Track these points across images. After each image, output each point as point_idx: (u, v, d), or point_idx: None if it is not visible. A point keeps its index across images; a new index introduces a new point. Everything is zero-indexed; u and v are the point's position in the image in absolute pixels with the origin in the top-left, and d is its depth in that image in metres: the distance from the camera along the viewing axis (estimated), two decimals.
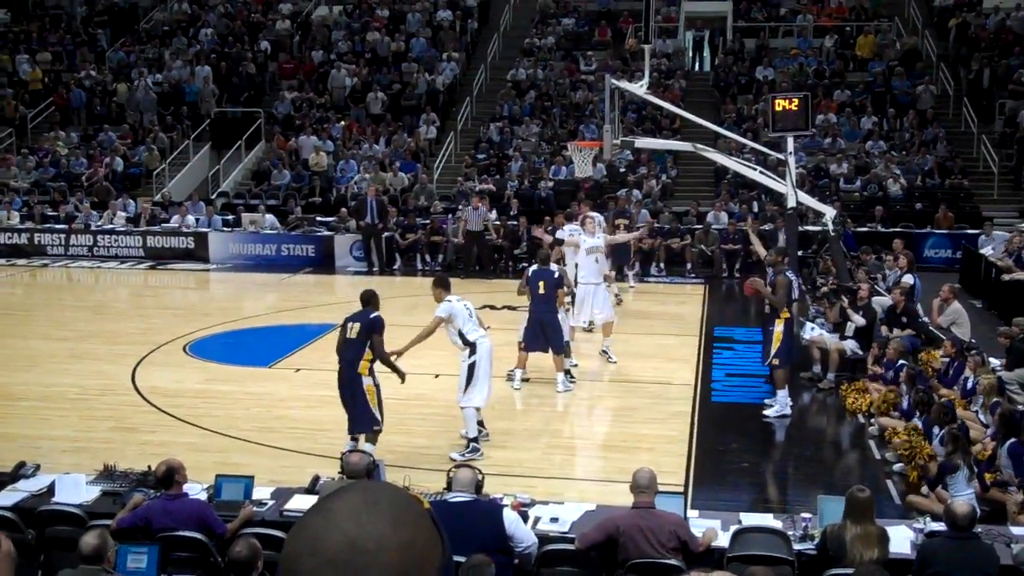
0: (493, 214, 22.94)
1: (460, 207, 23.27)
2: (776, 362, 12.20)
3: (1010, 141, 25.94)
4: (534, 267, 13.43)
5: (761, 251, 14.46)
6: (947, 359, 12.57)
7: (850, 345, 13.70)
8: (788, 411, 12.26)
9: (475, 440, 10.81)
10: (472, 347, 10.95)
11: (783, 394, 12.27)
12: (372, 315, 10.25)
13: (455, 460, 9.91)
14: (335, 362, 10.55)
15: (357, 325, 10.26)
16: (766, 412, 12.26)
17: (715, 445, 11.30)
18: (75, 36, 34.12)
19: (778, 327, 12.20)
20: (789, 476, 10.81)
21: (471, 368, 10.90)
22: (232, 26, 33.22)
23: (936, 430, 10.01)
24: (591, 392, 13.65)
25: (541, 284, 13.08)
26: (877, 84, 28.48)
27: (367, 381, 10.15)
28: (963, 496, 8.64)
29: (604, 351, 14.71)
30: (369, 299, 10.57)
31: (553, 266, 13.65)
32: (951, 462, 8.85)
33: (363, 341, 10.15)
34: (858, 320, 13.76)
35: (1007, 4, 30.04)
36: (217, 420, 11.78)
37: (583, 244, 14.71)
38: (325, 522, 1.67)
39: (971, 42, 29.13)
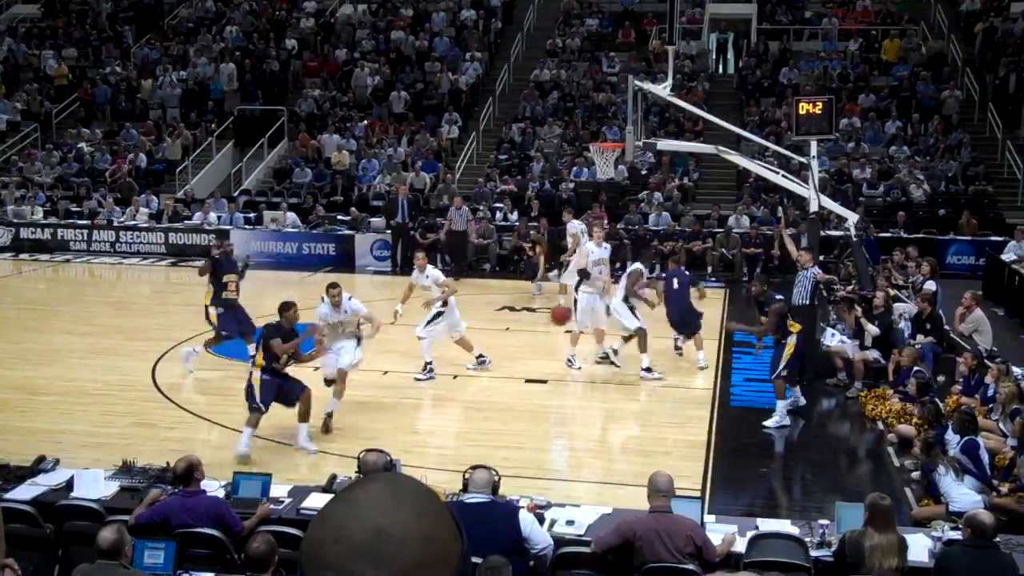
0: (483, 212, 23.06)
1: (450, 208, 22.94)
2: (785, 373, 12.18)
3: None
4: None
5: (793, 250, 14.43)
6: (965, 369, 12.47)
7: (873, 354, 13.62)
8: (787, 421, 12.19)
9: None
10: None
11: (782, 404, 12.18)
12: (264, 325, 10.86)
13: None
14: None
15: None
16: (765, 423, 12.13)
17: (733, 450, 11.26)
18: (101, 32, 34.32)
19: (791, 340, 12.24)
20: (807, 482, 10.75)
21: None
22: (257, 24, 33.34)
23: (956, 439, 9.95)
24: (609, 395, 13.63)
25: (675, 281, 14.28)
26: (902, 88, 28.32)
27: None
28: (956, 488, 8.65)
29: (606, 355, 14.51)
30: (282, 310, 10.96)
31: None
32: (929, 464, 8.88)
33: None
34: (872, 330, 13.78)
35: None
36: (236, 417, 11.78)
37: (591, 255, 14.47)
38: (351, 511, 1.67)
39: (997, 47, 28.92)
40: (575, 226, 18.38)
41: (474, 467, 7.56)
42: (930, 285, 15.98)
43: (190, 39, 33.34)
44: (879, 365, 13.54)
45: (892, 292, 16.66)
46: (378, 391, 13.25)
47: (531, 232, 21.25)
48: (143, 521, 7.42)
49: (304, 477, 9.22)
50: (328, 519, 1.68)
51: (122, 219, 24.85)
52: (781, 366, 12.17)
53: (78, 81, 32.00)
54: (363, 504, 1.67)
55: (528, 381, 13.70)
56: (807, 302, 13.14)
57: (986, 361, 12.55)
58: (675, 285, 14.55)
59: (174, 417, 11.99)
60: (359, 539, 1.63)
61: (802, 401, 12.74)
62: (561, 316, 14.83)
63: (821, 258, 17.83)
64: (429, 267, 14.17)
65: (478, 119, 29.28)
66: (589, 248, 14.67)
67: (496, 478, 7.48)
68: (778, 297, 12.79)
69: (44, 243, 24.47)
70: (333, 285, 11.61)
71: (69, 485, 8.24)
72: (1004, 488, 9.21)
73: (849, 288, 16.05)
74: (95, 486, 8.22)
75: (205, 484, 7.82)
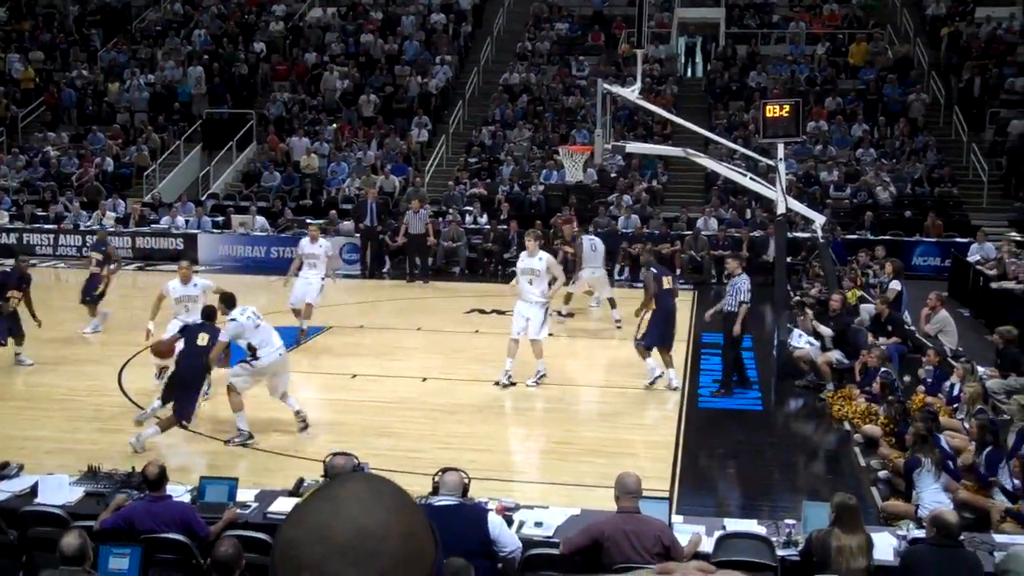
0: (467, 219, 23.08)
1: (406, 211, 22.82)
2: (644, 344, 13.45)
3: (1000, 150, 26.02)
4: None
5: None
6: (931, 368, 12.61)
7: (835, 356, 13.75)
8: (658, 372, 13.40)
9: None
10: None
11: (651, 360, 13.39)
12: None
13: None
14: (321, 366, 10.54)
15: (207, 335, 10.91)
16: (646, 383, 13.38)
17: (701, 451, 11.31)
18: (68, 35, 34.07)
19: (645, 314, 13.95)
20: (774, 482, 10.81)
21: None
22: (225, 27, 33.18)
23: None
24: (578, 397, 13.65)
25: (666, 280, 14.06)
26: (869, 92, 28.55)
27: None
28: (930, 490, 8.70)
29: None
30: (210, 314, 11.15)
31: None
32: (914, 458, 8.92)
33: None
34: (825, 331, 14.05)
35: (999, 13, 30.14)
36: (202, 422, 11.74)
37: (519, 263, 14.03)
38: (331, 508, 1.65)
39: (963, 51, 29.22)
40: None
41: (444, 470, 7.55)
42: (895, 285, 16.14)
43: (158, 42, 33.15)
44: (843, 366, 13.65)
45: (860, 293, 16.83)
46: (347, 394, 13.22)
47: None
48: (108, 526, 7.38)
49: (271, 481, 9.17)
50: (307, 517, 1.65)
51: (89, 223, 24.66)
52: (642, 333, 13.61)
53: (44, 85, 31.75)
54: (344, 502, 1.65)
55: (497, 383, 13.68)
56: (735, 310, 13.20)
57: (951, 361, 12.69)
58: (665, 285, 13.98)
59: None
60: (340, 537, 1.61)
61: (675, 383, 13.50)
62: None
63: (788, 259, 18.02)
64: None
65: (448, 122, 29.26)
66: (521, 257, 14.05)
67: (466, 481, 7.48)
68: (653, 269, 14.10)
69: (9, 247, 24.20)
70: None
71: (33, 491, 8.17)
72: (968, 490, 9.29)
73: (815, 290, 16.19)
74: (60, 492, 8.15)
75: (171, 489, 7.78)
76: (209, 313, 11.38)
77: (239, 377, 11.24)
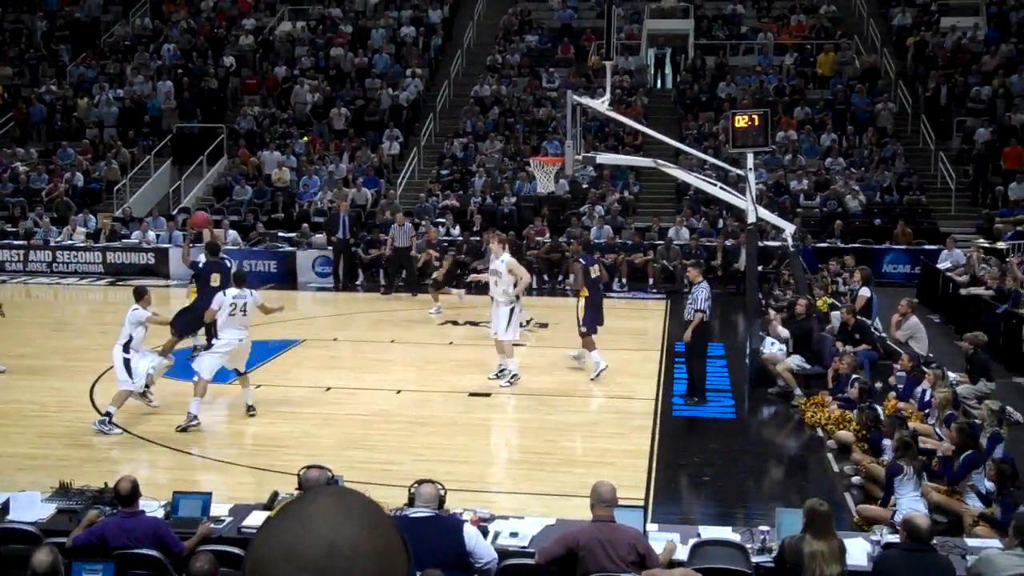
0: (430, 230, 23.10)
1: (392, 225, 22.86)
2: (584, 330, 14.39)
3: (967, 158, 26.28)
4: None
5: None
6: (903, 373, 12.72)
7: (795, 361, 13.86)
8: (604, 364, 14.29)
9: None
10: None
11: (596, 353, 14.37)
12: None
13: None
14: (295, 379, 10.51)
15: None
16: (592, 376, 14.29)
17: (675, 459, 11.35)
18: (36, 51, 33.87)
19: (579, 303, 14.57)
20: (748, 489, 10.86)
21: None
22: (195, 41, 33.07)
23: (887, 443, 10.16)
24: (553, 407, 13.66)
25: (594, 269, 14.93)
26: (837, 101, 28.80)
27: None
28: (909, 497, 8.76)
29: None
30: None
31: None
32: (897, 465, 8.98)
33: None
34: (782, 332, 14.38)
35: (963, 23, 30.50)
36: (175, 437, 11.68)
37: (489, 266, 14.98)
38: (301, 526, 1.62)
39: (929, 60, 29.54)
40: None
41: (420, 481, 7.55)
42: (864, 292, 16.28)
43: (127, 57, 33.00)
44: (804, 371, 13.79)
45: (830, 300, 16.95)
46: (321, 407, 13.18)
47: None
48: (81, 543, 7.32)
49: (245, 495, 9.13)
50: (276, 535, 1.63)
51: (59, 239, 24.50)
52: (580, 323, 14.44)
53: (13, 100, 31.53)
54: (313, 520, 1.63)
55: (472, 395, 13.71)
56: (690, 318, 13.32)
57: (922, 367, 12.80)
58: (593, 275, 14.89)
59: (112, 438, 11.80)
60: (309, 555, 1.59)
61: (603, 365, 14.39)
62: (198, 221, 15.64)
63: (760, 268, 18.13)
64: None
65: (419, 135, 29.28)
66: (491, 259, 14.96)
67: (442, 492, 7.48)
68: (581, 260, 15.02)
69: None
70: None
71: (5, 508, 8.10)
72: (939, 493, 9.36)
73: (787, 296, 16.32)
74: (31, 508, 8.09)
75: (144, 504, 7.73)
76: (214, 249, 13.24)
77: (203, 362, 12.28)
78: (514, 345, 14.54)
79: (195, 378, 12.10)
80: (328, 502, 1.67)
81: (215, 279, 13.67)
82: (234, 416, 12.84)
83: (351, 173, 27.06)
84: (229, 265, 14.44)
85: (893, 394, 12.33)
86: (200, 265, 13.90)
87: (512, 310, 14.17)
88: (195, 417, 11.91)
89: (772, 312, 15.35)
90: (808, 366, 13.88)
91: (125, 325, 12.06)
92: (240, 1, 35.29)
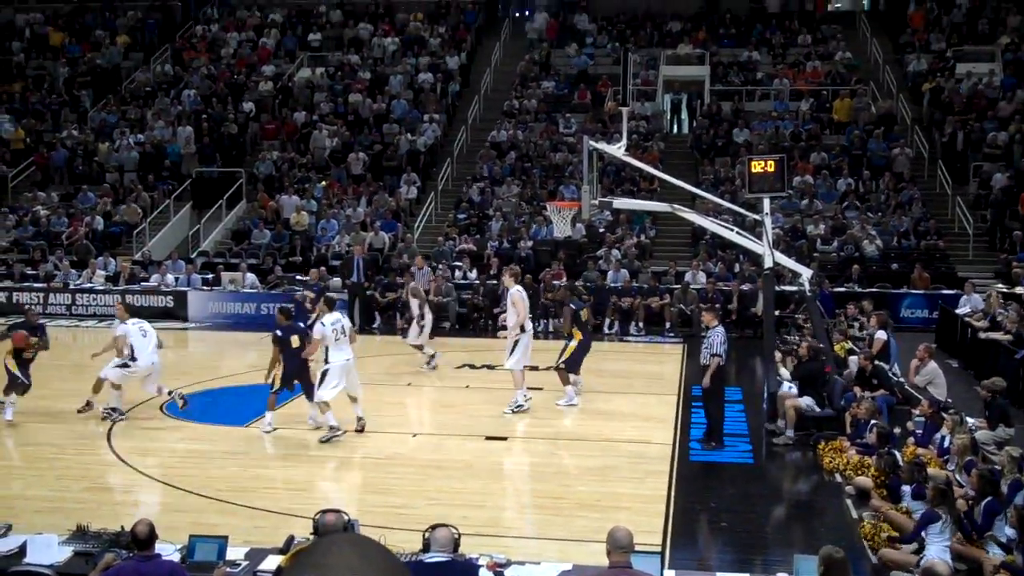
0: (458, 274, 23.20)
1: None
2: (563, 367, 15.22)
3: (984, 203, 26.26)
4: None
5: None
6: (921, 419, 12.66)
7: (805, 402, 13.82)
8: (575, 401, 15.22)
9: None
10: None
11: (570, 388, 15.22)
12: None
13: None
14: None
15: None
16: (558, 402, 15.15)
17: (693, 504, 11.29)
18: (58, 96, 34.30)
19: (571, 343, 15.26)
20: (766, 535, 10.78)
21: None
22: (215, 87, 33.45)
23: (907, 488, 10.09)
24: (569, 451, 13.63)
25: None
26: (853, 147, 28.85)
27: None
28: (939, 547, 8.68)
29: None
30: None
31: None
32: (933, 512, 8.91)
33: None
34: (784, 373, 14.63)
35: (979, 69, 30.60)
36: (192, 480, 11.70)
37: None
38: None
39: (945, 106, 29.61)
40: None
41: (434, 526, 7.53)
42: (880, 335, 16.25)
43: (147, 103, 33.39)
44: (814, 413, 13.79)
45: (848, 345, 16.92)
46: (337, 451, 13.17)
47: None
48: None
49: (261, 539, 9.12)
50: None
51: (78, 281, 24.67)
52: (560, 359, 15.26)
53: (35, 145, 31.90)
54: (335, 571, 1.63)
55: (488, 438, 13.69)
56: (707, 363, 13.33)
57: (941, 412, 12.72)
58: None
59: (130, 481, 11.84)
60: None
61: (575, 401, 15.26)
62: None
63: (777, 313, 18.12)
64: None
65: (436, 179, 29.46)
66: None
67: (457, 536, 7.45)
68: (572, 305, 15.89)
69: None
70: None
71: (22, 551, 8.12)
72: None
73: (797, 340, 16.34)
74: (48, 551, 8.11)
75: (160, 548, 7.72)
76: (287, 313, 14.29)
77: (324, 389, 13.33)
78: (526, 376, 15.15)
79: (318, 400, 13.28)
80: (349, 552, 1.67)
81: (295, 341, 13.76)
82: (250, 459, 12.86)
83: (369, 217, 27.21)
84: (304, 325, 14.95)
85: (912, 440, 12.26)
86: (279, 334, 13.86)
87: (517, 342, 14.88)
88: (337, 427, 13.31)
89: (778, 354, 15.42)
90: (818, 408, 13.86)
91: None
92: (260, 48, 35.71)
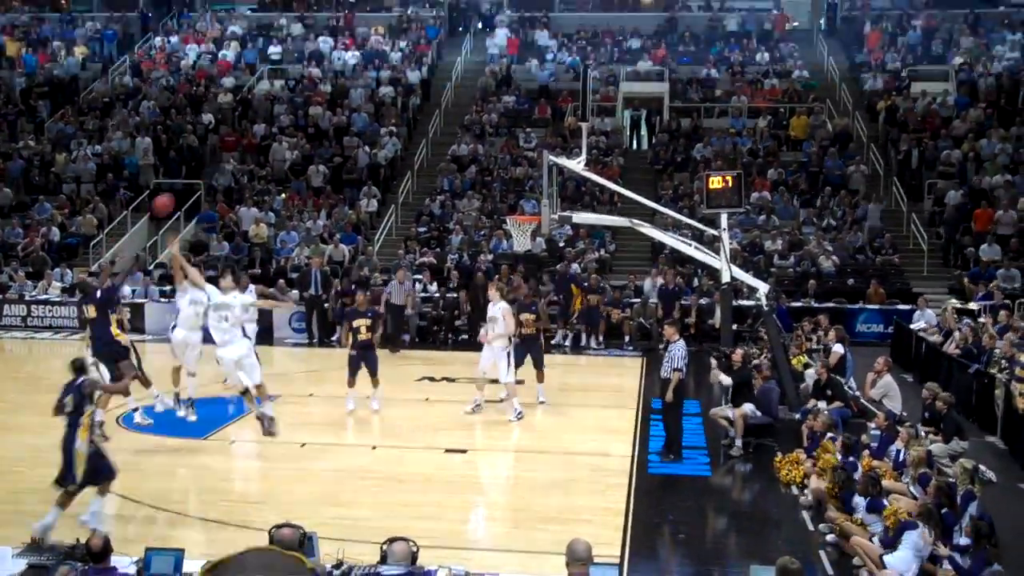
0: (417, 287, 23.19)
1: (387, 280, 23.17)
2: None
3: (939, 220, 26.63)
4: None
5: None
6: (877, 431, 12.81)
7: (748, 408, 13.97)
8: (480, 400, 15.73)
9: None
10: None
11: (516, 400, 15.46)
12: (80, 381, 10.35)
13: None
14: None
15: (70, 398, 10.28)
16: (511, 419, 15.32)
17: (651, 516, 11.34)
18: (15, 107, 33.94)
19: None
20: (724, 547, 10.86)
21: None
22: (174, 99, 33.24)
23: (861, 500, 10.23)
24: (528, 463, 13.66)
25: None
26: (810, 164, 29.18)
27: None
28: (910, 556, 8.86)
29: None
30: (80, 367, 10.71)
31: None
32: (914, 523, 9.11)
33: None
34: (724, 379, 14.80)
35: (933, 89, 31.10)
36: (148, 492, 11.61)
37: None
38: None
39: (900, 124, 30.04)
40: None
41: (392, 539, 7.53)
42: (838, 348, 16.45)
43: (106, 114, 33.12)
44: (757, 421, 14.01)
45: (805, 359, 17.10)
46: (295, 463, 13.11)
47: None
48: None
49: (217, 552, 9.04)
50: None
51: (34, 293, 24.39)
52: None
53: None
54: None
55: (448, 451, 13.68)
56: (668, 376, 13.40)
57: (896, 425, 12.88)
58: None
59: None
60: None
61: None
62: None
63: (735, 326, 18.30)
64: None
65: (397, 192, 29.45)
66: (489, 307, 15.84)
67: (415, 549, 7.46)
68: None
69: None
70: None
71: None
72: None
73: (761, 355, 16.44)
74: (2, 564, 8.02)
75: (116, 561, 7.66)
76: None
77: None
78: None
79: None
80: (259, 572, 1.70)
81: None
82: (208, 472, 12.77)
83: (328, 230, 27.13)
84: None
85: (867, 452, 12.39)
86: None
87: (508, 353, 15.46)
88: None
89: (713, 360, 16.13)
90: (759, 414, 14.07)
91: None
92: (219, 60, 35.56)
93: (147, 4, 40.92)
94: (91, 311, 13.91)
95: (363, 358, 15.75)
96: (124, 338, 14.05)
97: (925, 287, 23.93)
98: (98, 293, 14.21)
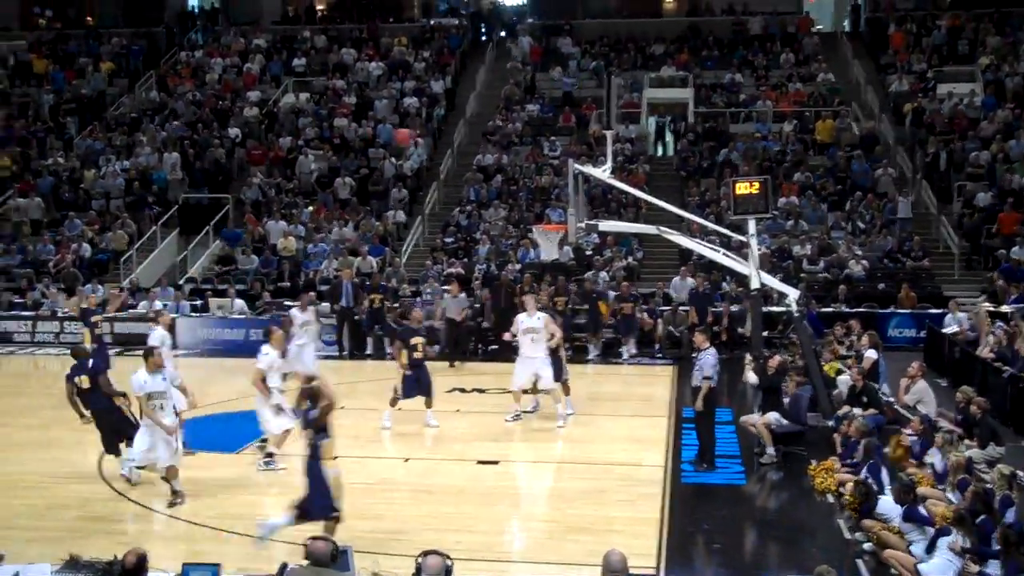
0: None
1: (429, 292, 23.32)
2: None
3: (969, 222, 26.39)
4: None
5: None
6: (914, 437, 12.70)
7: (772, 417, 13.87)
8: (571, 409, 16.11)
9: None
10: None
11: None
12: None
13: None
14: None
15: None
16: (559, 425, 15.63)
17: (686, 526, 11.29)
18: (43, 124, 34.26)
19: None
20: (759, 556, 10.80)
21: None
22: (200, 114, 33.47)
23: (896, 506, 10.15)
24: (561, 474, 13.63)
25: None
26: (837, 168, 29.02)
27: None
28: (943, 563, 8.79)
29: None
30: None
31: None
32: (949, 528, 9.04)
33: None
34: (751, 378, 14.84)
35: (960, 90, 30.87)
36: (184, 507, 11.66)
37: (521, 325, 16.00)
38: None
39: (927, 126, 29.84)
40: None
41: (426, 552, 7.53)
42: (871, 353, 16.31)
43: (133, 129, 33.38)
44: (783, 429, 13.89)
45: (838, 365, 16.97)
46: None
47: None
48: None
49: (254, 567, 9.09)
50: None
51: (66, 310, 24.58)
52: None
53: (21, 172, 31.84)
54: None
55: (480, 463, 13.68)
56: (699, 385, 13.34)
57: (932, 430, 12.78)
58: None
59: (121, 509, 11.79)
60: None
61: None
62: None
63: (765, 333, 18.21)
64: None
65: (423, 203, 29.52)
66: (520, 319, 16.06)
67: (449, 563, 7.45)
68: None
69: None
70: None
71: None
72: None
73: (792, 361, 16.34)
74: None
75: None
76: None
77: None
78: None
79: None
80: None
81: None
82: (242, 486, 12.81)
83: (356, 242, 27.22)
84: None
85: (910, 458, 12.30)
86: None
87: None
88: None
89: (748, 357, 15.90)
90: (784, 421, 13.93)
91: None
92: (245, 74, 35.79)
93: (172, 19, 41.25)
94: (84, 382, 13.26)
95: (417, 377, 15.59)
96: (123, 402, 13.29)
97: (956, 291, 23.75)
98: (89, 363, 13.48)
